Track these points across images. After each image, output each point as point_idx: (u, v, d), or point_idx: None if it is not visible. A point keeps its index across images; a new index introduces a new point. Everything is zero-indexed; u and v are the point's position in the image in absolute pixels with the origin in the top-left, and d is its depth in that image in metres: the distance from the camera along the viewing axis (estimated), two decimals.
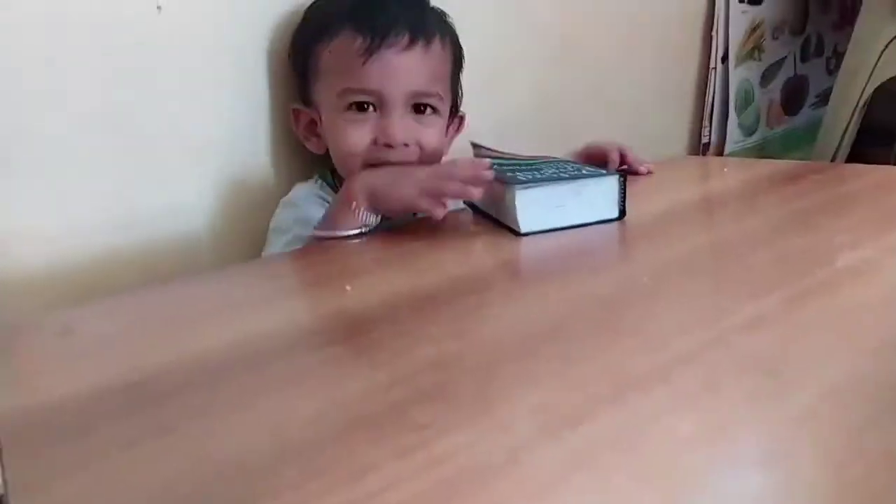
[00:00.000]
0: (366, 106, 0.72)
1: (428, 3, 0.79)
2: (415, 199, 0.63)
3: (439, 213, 0.62)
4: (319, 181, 0.80)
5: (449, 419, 0.31)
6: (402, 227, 0.66)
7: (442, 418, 0.31)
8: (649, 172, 0.80)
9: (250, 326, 0.44)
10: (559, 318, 0.41)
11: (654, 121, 1.29)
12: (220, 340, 0.42)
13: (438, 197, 0.62)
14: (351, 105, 0.72)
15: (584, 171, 0.63)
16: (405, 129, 0.73)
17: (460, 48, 0.82)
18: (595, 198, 0.62)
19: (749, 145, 1.46)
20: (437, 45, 0.76)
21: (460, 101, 0.85)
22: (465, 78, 0.86)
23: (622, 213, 0.62)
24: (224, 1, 0.76)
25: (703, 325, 0.38)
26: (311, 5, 0.78)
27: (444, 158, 0.81)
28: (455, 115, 0.84)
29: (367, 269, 0.54)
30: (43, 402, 0.35)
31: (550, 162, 0.69)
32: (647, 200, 0.64)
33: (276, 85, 0.80)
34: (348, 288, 0.49)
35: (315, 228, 0.66)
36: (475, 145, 0.75)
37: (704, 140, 1.39)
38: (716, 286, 0.44)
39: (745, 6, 1.36)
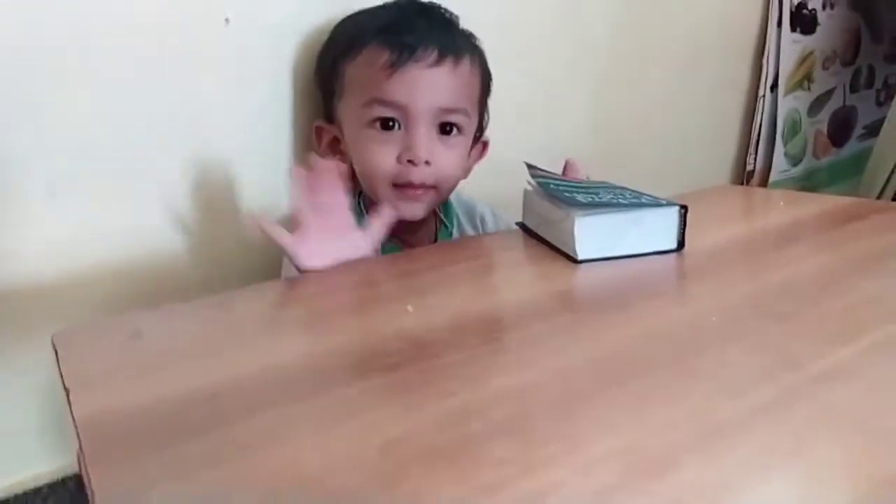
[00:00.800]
0: (391, 123, 0.72)
1: (457, 24, 0.79)
2: None
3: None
4: None
5: (529, 457, 0.31)
6: (452, 247, 0.65)
7: (521, 455, 0.31)
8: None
9: (315, 343, 0.45)
10: (630, 354, 0.40)
11: (699, 147, 1.29)
12: (287, 356, 0.42)
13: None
14: (375, 121, 0.72)
15: (643, 200, 0.63)
16: (429, 146, 0.73)
17: (489, 72, 0.81)
18: (654, 228, 0.61)
19: (794, 175, 1.44)
20: (465, 64, 0.75)
21: (486, 126, 0.84)
22: (520, 100, 0.86)
23: (681, 244, 0.61)
24: (289, 14, 0.77)
25: (781, 372, 0.37)
26: (338, 24, 0.78)
27: (462, 182, 0.81)
28: (479, 140, 0.83)
29: (425, 290, 0.54)
30: (121, 407, 0.35)
31: (606, 187, 0.69)
32: (702, 232, 0.63)
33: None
34: (410, 308, 0.49)
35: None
36: (530, 166, 0.74)
37: (749, 168, 1.37)
38: (788, 330, 0.43)
39: (796, 35, 1.35)
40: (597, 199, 0.62)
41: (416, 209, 0.75)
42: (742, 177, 1.39)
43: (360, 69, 0.73)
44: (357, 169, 0.76)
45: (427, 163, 0.72)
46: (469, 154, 0.81)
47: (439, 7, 0.78)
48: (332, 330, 0.46)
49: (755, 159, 1.37)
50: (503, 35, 0.85)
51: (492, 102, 0.82)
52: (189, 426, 0.33)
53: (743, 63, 1.33)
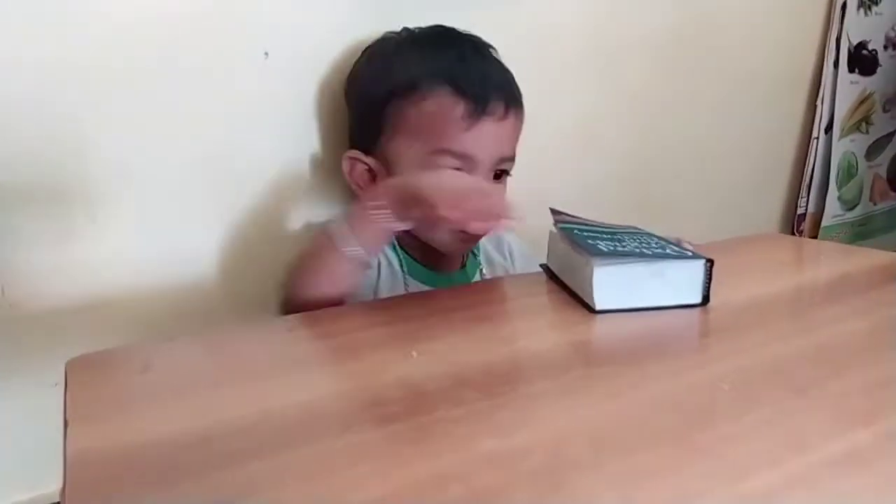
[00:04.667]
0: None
1: (502, 63, 0.79)
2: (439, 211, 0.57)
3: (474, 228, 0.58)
4: None
5: None
6: (470, 289, 0.64)
7: None
8: None
9: (314, 387, 0.45)
10: (631, 421, 0.39)
11: (748, 189, 1.25)
12: (285, 399, 0.42)
13: (462, 212, 0.57)
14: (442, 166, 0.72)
15: (668, 251, 0.61)
16: None
17: None
18: (678, 281, 0.59)
19: (849, 220, 1.38)
20: (521, 112, 0.78)
21: None
22: (558, 143, 0.86)
23: (706, 299, 0.59)
24: (326, 48, 0.78)
25: (788, 454, 0.35)
26: (383, 54, 0.77)
27: None
28: None
29: (434, 334, 0.53)
30: (114, 446, 0.36)
31: (633, 233, 0.67)
32: (733, 286, 0.61)
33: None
34: (414, 354, 0.49)
35: (330, 225, 0.63)
36: (555, 212, 0.73)
37: (800, 211, 1.33)
38: (805, 406, 0.40)
39: (855, 76, 1.30)
40: (619, 248, 0.60)
41: (467, 248, 0.81)
42: (793, 220, 1.34)
43: (427, 115, 0.72)
44: None
45: None
46: None
47: (485, 44, 0.78)
48: (335, 373, 0.46)
49: (807, 202, 1.32)
50: (541, 76, 0.85)
51: (530, 144, 0.81)
52: (178, 471, 0.33)
53: (796, 104, 1.29)
